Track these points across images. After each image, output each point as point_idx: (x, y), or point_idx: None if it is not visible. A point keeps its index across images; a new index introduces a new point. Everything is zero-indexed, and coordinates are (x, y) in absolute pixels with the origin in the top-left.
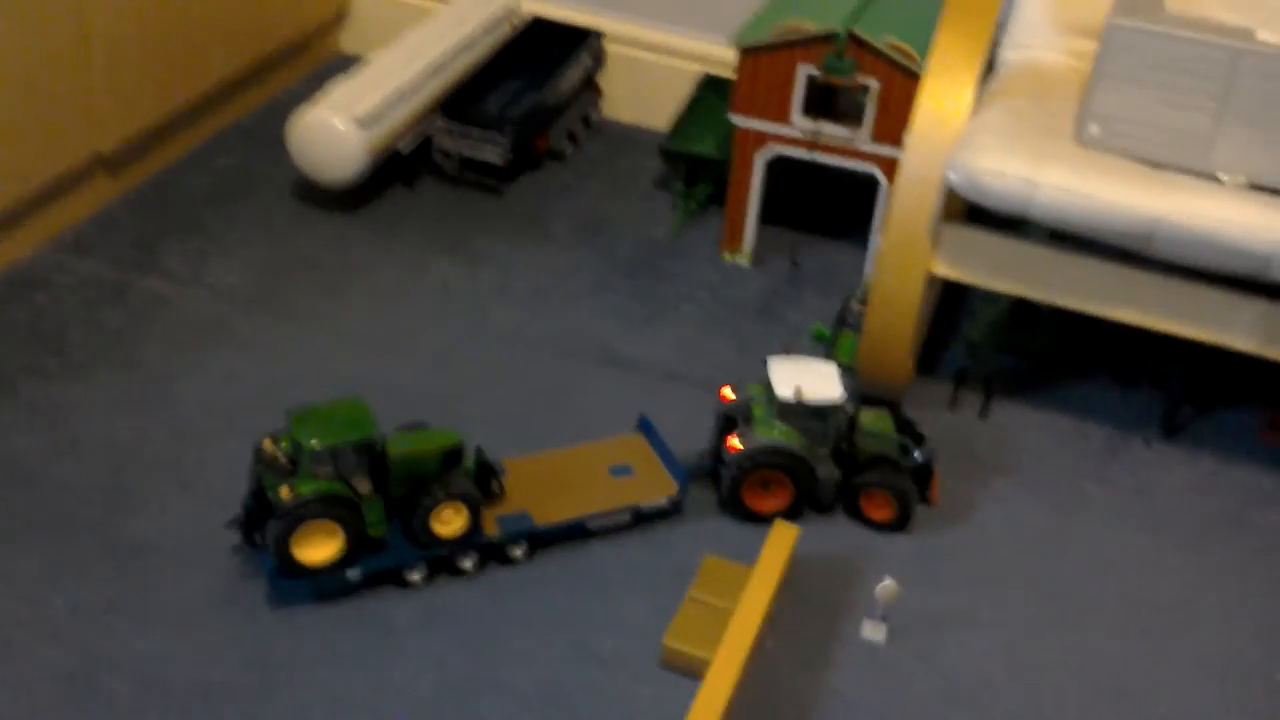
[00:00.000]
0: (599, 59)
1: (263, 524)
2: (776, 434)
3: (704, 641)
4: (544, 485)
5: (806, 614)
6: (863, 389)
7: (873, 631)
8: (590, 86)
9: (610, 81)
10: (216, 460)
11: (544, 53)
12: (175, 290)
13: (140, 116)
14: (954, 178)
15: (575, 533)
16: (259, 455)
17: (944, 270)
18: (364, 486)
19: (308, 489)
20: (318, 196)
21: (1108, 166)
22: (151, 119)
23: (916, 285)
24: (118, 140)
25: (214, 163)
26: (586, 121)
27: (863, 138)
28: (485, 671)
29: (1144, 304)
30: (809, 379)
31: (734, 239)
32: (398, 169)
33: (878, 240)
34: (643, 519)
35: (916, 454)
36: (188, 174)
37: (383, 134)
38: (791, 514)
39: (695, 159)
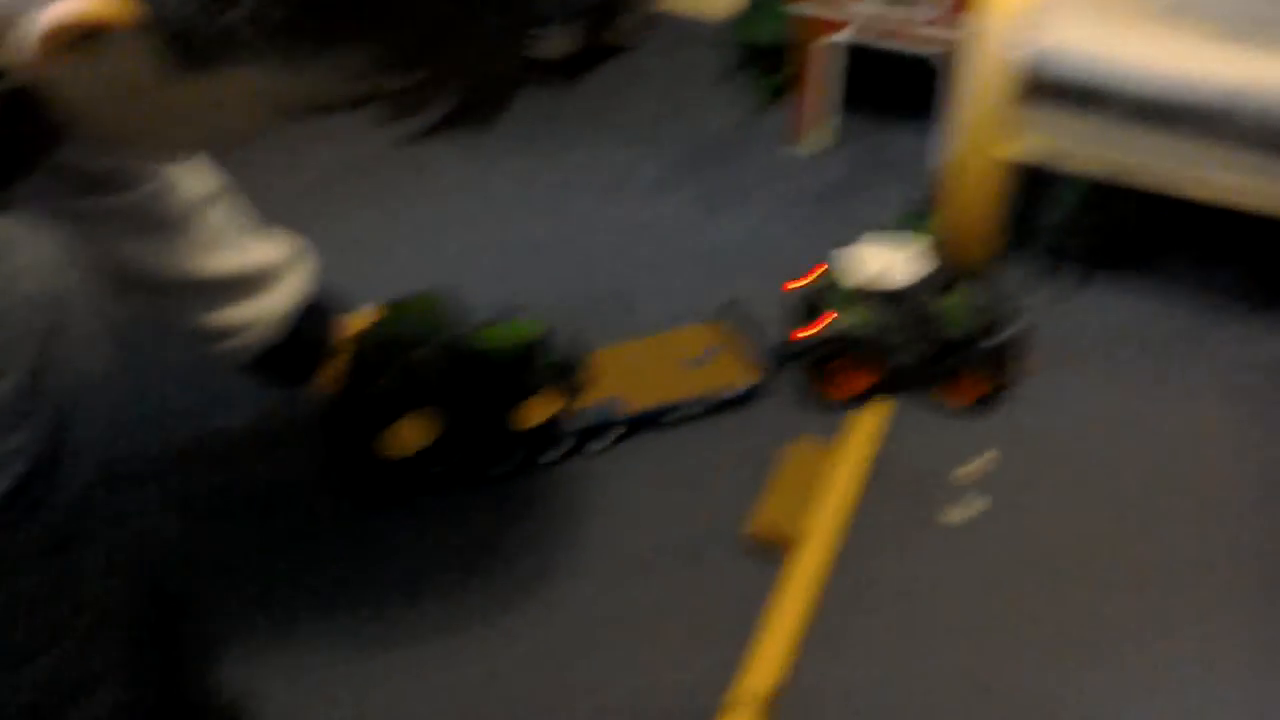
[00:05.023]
0: None
1: (349, 421)
2: (856, 318)
3: (788, 527)
4: (625, 376)
5: (890, 498)
6: (944, 271)
7: (957, 514)
8: None
9: None
10: None
11: None
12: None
13: None
14: (1027, 55)
15: (657, 422)
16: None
17: (1020, 153)
18: (447, 381)
19: (393, 385)
20: None
21: (1187, 37)
22: None
23: (992, 169)
24: None
25: None
26: (648, 14)
27: (931, 19)
28: (565, 562)
29: (1229, 180)
30: (888, 262)
31: (803, 128)
32: None
33: (949, 124)
34: (724, 406)
35: (1000, 335)
36: None
37: None
38: (874, 397)
39: (761, 48)
